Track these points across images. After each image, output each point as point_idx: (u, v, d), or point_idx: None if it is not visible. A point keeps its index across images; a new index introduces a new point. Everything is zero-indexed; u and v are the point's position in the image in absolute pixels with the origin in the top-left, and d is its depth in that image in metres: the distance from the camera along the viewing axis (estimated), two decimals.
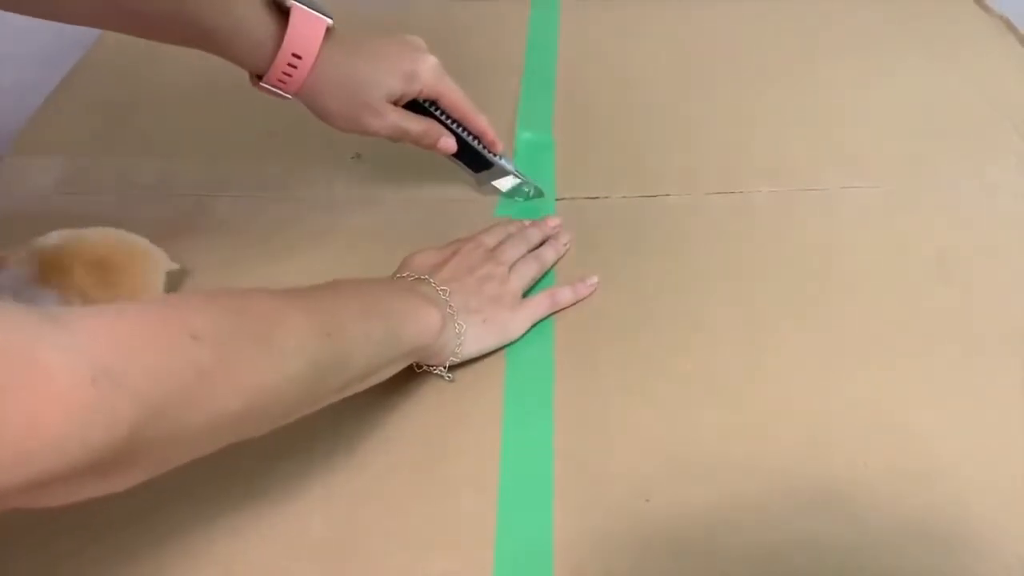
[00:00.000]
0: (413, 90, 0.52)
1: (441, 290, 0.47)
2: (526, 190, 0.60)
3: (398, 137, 0.54)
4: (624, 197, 0.60)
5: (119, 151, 0.65)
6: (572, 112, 0.68)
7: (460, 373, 0.48)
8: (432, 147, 0.55)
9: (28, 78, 0.80)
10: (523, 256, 0.53)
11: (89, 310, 0.29)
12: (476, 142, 0.57)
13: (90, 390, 0.26)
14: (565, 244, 0.56)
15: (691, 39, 0.76)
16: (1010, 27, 0.76)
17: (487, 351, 0.48)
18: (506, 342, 0.49)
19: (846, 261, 0.54)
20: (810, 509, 0.41)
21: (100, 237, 0.51)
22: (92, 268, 0.49)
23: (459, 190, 0.61)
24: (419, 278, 0.47)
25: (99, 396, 0.26)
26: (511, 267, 0.51)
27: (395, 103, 0.52)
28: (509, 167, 0.59)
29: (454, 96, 0.54)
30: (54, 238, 0.50)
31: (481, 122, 0.56)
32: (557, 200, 0.60)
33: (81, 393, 0.26)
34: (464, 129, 0.56)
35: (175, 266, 0.52)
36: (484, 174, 0.59)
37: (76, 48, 0.76)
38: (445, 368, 0.47)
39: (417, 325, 0.43)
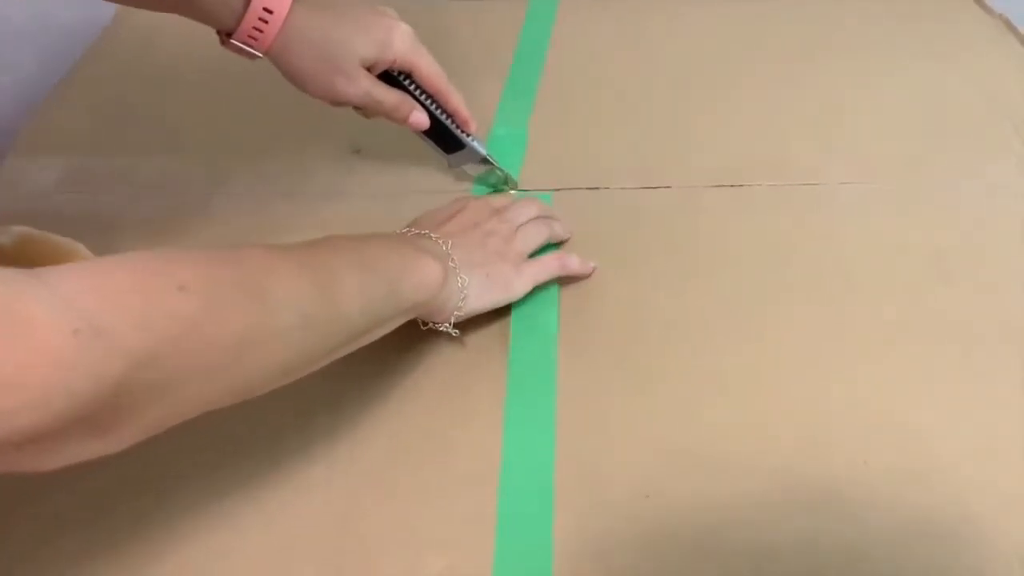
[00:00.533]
0: (386, 58, 0.51)
1: (443, 243, 0.46)
2: (499, 174, 0.59)
3: (369, 107, 0.52)
4: (624, 188, 0.60)
5: (119, 150, 0.65)
6: (572, 105, 0.68)
7: (463, 366, 0.48)
8: (403, 121, 0.54)
9: (28, 78, 0.80)
10: (531, 219, 0.53)
11: (75, 265, 0.29)
12: (449, 121, 0.56)
13: (72, 340, 0.26)
14: (570, 232, 0.55)
15: (692, 37, 0.76)
16: (1010, 27, 0.76)
17: (492, 307, 0.48)
18: (511, 299, 0.49)
19: (846, 258, 0.54)
20: (810, 507, 0.41)
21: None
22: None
23: (461, 184, 0.61)
24: (420, 233, 0.47)
25: (81, 347, 0.26)
26: (518, 228, 0.51)
27: (368, 69, 0.51)
28: (481, 151, 0.58)
29: (429, 69, 0.53)
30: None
31: (455, 99, 0.55)
32: (556, 191, 0.60)
33: (62, 343, 0.26)
34: (437, 107, 0.55)
35: None
36: (455, 156, 0.58)
37: (76, 48, 0.76)
38: (451, 324, 0.46)
39: (417, 279, 0.42)
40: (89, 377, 0.26)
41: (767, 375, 0.47)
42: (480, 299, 0.47)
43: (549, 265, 0.51)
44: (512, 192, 0.60)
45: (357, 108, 0.54)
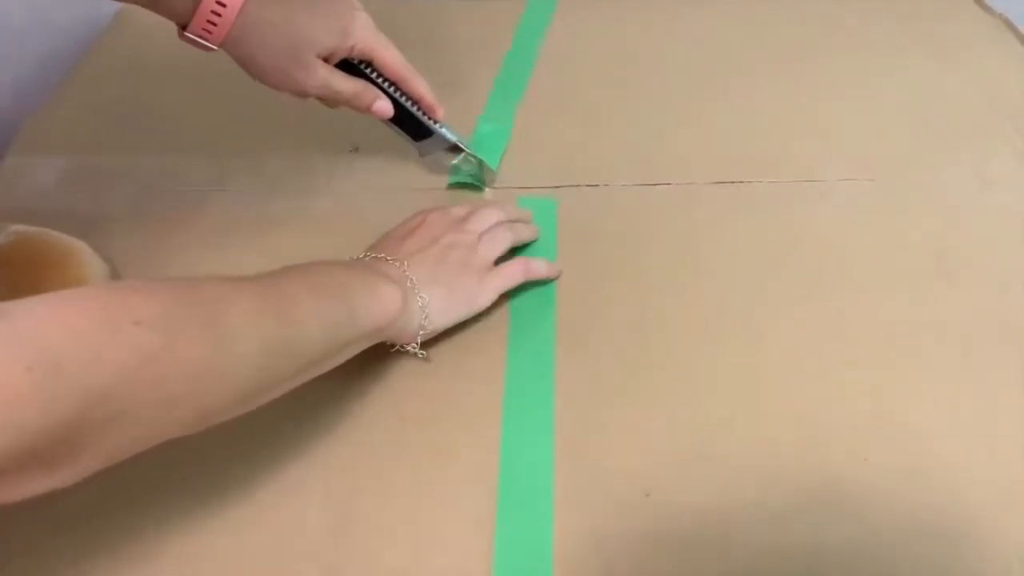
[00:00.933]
0: (345, 46, 0.50)
1: (400, 264, 0.45)
2: (472, 161, 0.59)
3: (329, 98, 0.52)
4: (624, 185, 0.60)
5: (119, 149, 0.65)
6: (573, 102, 0.68)
7: (462, 366, 0.48)
8: (367, 110, 0.53)
9: (28, 78, 0.80)
10: (496, 225, 0.51)
11: (35, 299, 0.29)
12: (415, 108, 0.55)
13: (25, 377, 0.26)
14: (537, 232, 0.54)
15: (693, 35, 0.76)
16: (1010, 27, 0.76)
17: (459, 321, 0.48)
18: (475, 312, 0.48)
19: (846, 256, 0.54)
20: (810, 505, 0.41)
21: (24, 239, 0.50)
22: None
23: (443, 177, 0.61)
24: (377, 256, 0.46)
25: (34, 383, 0.26)
26: (482, 236, 0.50)
27: (326, 60, 0.50)
28: (450, 137, 0.57)
29: (389, 55, 0.52)
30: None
31: (419, 85, 0.54)
32: (556, 188, 0.60)
33: (16, 380, 0.26)
34: (402, 94, 0.54)
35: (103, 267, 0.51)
36: (426, 144, 0.58)
37: (76, 48, 0.76)
38: (417, 345, 0.46)
39: (374, 305, 0.42)
40: (42, 413, 0.27)
41: (767, 373, 0.47)
42: (444, 316, 0.46)
43: (513, 273, 0.50)
44: (488, 190, 0.60)
45: (319, 98, 0.53)
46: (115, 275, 0.52)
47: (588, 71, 0.72)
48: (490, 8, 0.80)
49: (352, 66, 0.52)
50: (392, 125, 0.56)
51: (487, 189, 0.60)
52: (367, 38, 0.51)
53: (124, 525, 0.41)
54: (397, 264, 0.46)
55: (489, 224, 0.51)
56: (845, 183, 0.60)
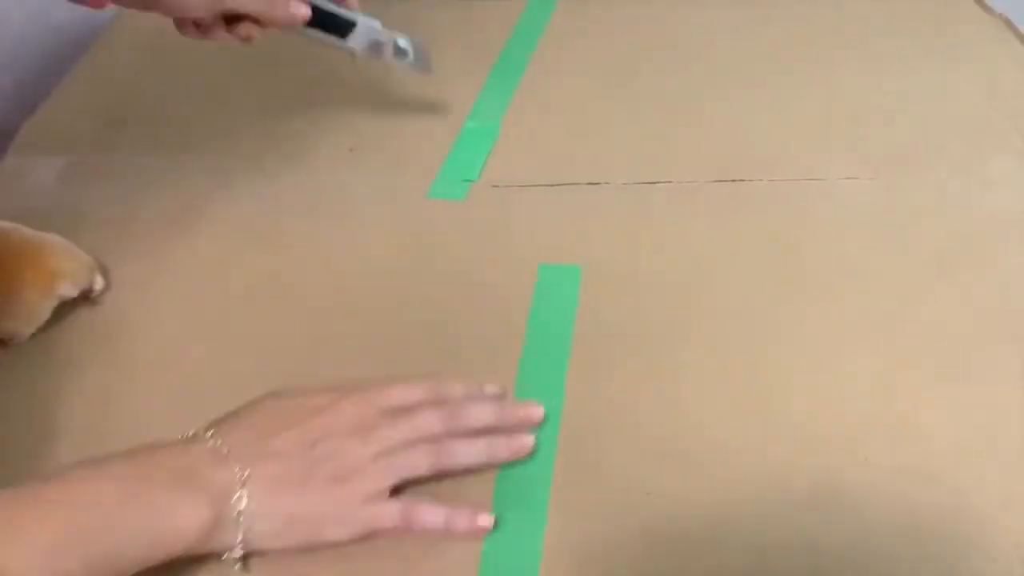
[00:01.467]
0: None
1: (238, 470, 0.36)
2: (404, 46, 0.57)
3: (244, 6, 0.50)
4: (624, 183, 0.60)
5: (119, 150, 0.65)
6: (573, 101, 0.68)
7: (471, 367, 0.47)
8: (285, 20, 0.51)
9: (28, 78, 0.80)
10: (427, 437, 0.40)
11: None
12: (329, 4, 0.54)
13: None
14: (517, 448, 0.41)
15: (694, 34, 0.76)
16: (1010, 27, 0.76)
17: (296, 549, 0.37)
18: (319, 545, 0.37)
19: (846, 255, 0.54)
20: (810, 504, 0.41)
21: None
22: None
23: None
24: (214, 448, 0.36)
25: None
26: (381, 457, 0.38)
27: None
28: (375, 22, 0.56)
29: None
30: None
31: None
32: (556, 186, 0.60)
33: None
34: None
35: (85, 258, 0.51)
36: (354, 39, 0.56)
37: (76, 48, 0.76)
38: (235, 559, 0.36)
39: (165, 534, 0.34)
40: None
41: (767, 371, 0.47)
42: (271, 541, 0.36)
43: (392, 517, 0.38)
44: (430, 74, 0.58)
45: (231, 24, 0.51)
46: (102, 269, 0.52)
47: (588, 69, 0.72)
48: (488, 7, 0.80)
49: None
50: (314, 31, 0.54)
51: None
52: None
53: None
54: (237, 470, 0.36)
55: (418, 434, 0.39)
56: (845, 182, 0.60)
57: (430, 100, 0.67)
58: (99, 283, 0.51)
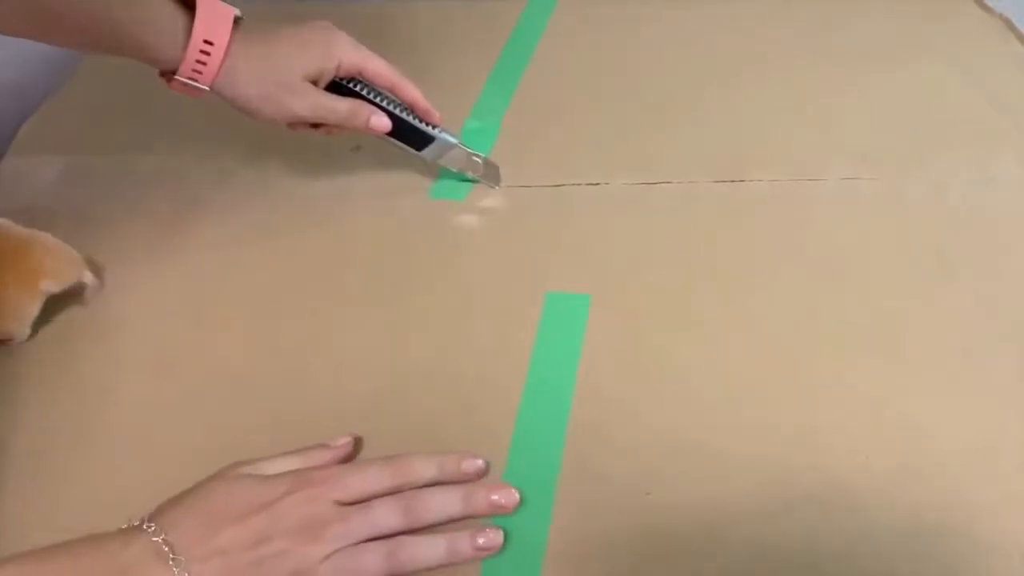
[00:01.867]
0: (331, 65, 0.51)
1: (176, 565, 0.34)
2: (477, 160, 0.58)
3: (325, 119, 0.52)
4: (624, 184, 0.60)
5: (119, 149, 0.65)
6: (574, 101, 0.68)
7: (483, 365, 0.47)
8: (364, 127, 0.53)
9: (28, 78, 0.80)
10: (383, 533, 0.37)
11: None
12: (410, 116, 0.55)
13: None
14: (483, 544, 0.38)
15: (693, 34, 0.76)
16: (1010, 27, 0.76)
17: None
18: None
19: (846, 255, 0.54)
20: (811, 505, 0.41)
21: None
22: None
23: (459, 178, 0.61)
24: (154, 543, 0.35)
25: None
26: (338, 553, 0.36)
27: (315, 84, 0.51)
28: (452, 139, 0.57)
29: (376, 65, 0.53)
30: None
31: (411, 91, 0.54)
32: (557, 186, 0.60)
33: None
34: (395, 105, 0.54)
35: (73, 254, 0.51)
36: (429, 151, 0.57)
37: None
38: None
39: None
40: None
41: (767, 371, 0.47)
42: None
43: None
44: (496, 188, 0.59)
45: (315, 127, 0.54)
46: (94, 267, 0.52)
47: (589, 70, 0.72)
48: (488, 8, 0.80)
49: (343, 88, 0.53)
50: (392, 139, 0.56)
51: (496, 188, 0.60)
52: (350, 53, 0.52)
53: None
54: (175, 571, 0.34)
55: (377, 531, 0.37)
56: (845, 182, 0.60)
57: (432, 101, 0.66)
58: (89, 279, 0.51)
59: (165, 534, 0.35)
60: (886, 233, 0.56)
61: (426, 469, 0.40)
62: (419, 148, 0.57)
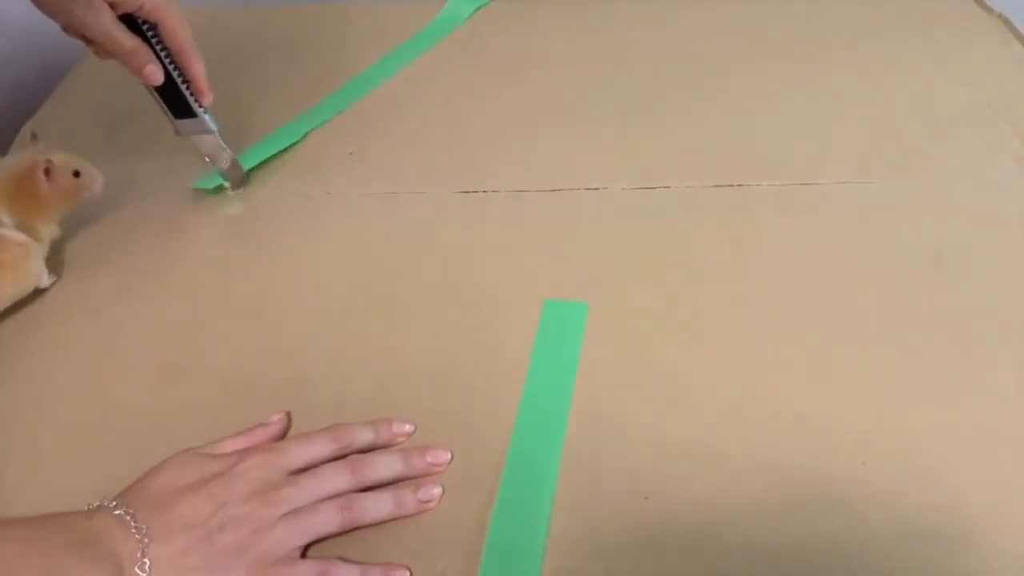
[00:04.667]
0: (135, 1, 0.49)
1: (140, 539, 0.35)
2: (226, 154, 0.58)
3: (105, 45, 0.50)
4: (623, 188, 0.60)
5: (119, 151, 0.65)
6: (573, 106, 0.68)
7: (483, 368, 0.48)
8: (138, 70, 0.52)
9: (28, 78, 0.80)
10: (333, 494, 0.40)
11: None
12: (185, 86, 0.54)
13: None
14: (422, 497, 0.40)
15: (692, 37, 0.76)
16: (1010, 27, 0.76)
17: None
18: None
19: (845, 257, 0.54)
20: (809, 507, 0.41)
21: None
22: None
23: (458, 182, 0.61)
24: (117, 515, 0.36)
25: None
26: (286, 517, 0.38)
27: (112, 7, 0.49)
28: (212, 126, 0.56)
29: (177, 25, 0.51)
30: None
31: (196, 66, 0.53)
32: (556, 191, 0.60)
33: None
34: (176, 69, 0.53)
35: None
36: (184, 124, 0.56)
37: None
38: None
39: None
40: None
41: (766, 375, 0.47)
42: None
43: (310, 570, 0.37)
44: (231, 193, 0.59)
45: (89, 43, 0.52)
46: (52, 264, 0.52)
47: (586, 74, 0.72)
48: (400, 11, 0.80)
49: (137, 27, 0.51)
50: (156, 94, 0.55)
51: (231, 192, 0.60)
52: (160, 1, 0.50)
53: None
54: (139, 538, 0.35)
55: (318, 493, 0.39)
56: (845, 185, 0.60)
57: (430, 104, 0.67)
58: (45, 281, 0.52)
59: (126, 508, 0.36)
60: (885, 235, 0.56)
61: (363, 434, 0.43)
62: (177, 116, 0.56)
